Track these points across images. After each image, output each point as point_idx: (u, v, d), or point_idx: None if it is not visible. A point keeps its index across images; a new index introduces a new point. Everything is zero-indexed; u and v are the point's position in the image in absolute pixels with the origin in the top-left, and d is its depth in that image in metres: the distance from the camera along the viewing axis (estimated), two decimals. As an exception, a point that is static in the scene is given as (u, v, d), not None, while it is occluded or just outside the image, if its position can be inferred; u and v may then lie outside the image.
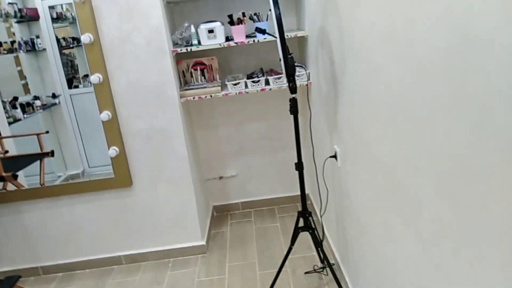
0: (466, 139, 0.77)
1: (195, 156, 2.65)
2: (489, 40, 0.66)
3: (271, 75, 2.39)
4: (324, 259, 2.04)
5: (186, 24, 2.33)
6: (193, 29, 2.28)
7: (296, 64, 2.44)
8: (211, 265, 2.39)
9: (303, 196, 1.95)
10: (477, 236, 0.78)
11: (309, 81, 2.37)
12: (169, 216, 2.45)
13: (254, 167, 2.87)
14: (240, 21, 2.30)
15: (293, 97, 1.80)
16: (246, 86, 2.37)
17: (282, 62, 1.71)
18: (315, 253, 2.34)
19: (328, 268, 2.15)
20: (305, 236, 2.50)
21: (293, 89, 1.77)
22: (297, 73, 2.35)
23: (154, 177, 2.37)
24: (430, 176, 0.95)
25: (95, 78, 2.14)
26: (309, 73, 2.37)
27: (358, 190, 1.60)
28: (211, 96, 2.33)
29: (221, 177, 2.88)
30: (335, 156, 1.91)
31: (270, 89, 2.42)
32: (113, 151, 2.28)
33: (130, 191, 2.40)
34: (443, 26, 0.80)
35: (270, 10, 2.40)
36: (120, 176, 2.35)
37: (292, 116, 2.70)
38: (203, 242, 2.52)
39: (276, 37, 1.68)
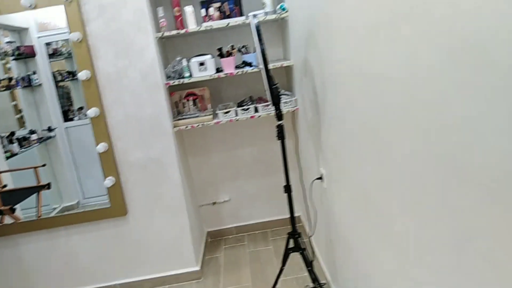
0: (422, 162, 0.92)
1: (189, 183, 2.77)
2: (426, 71, 0.82)
3: (259, 103, 2.56)
4: (315, 279, 2.14)
5: (178, 58, 2.51)
6: (184, 63, 2.45)
7: (282, 92, 2.61)
8: (206, 286, 2.48)
9: (292, 217, 2.07)
10: (434, 244, 0.91)
11: (296, 107, 2.53)
12: (164, 243, 2.55)
13: (246, 191, 3.00)
14: (229, 54, 2.49)
15: (280, 124, 1.96)
16: (236, 114, 2.53)
17: (267, 92, 1.88)
18: (307, 273, 2.44)
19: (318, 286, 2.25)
20: (297, 258, 2.60)
21: (279, 116, 1.93)
22: (284, 100, 2.53)
23: (149, 205, 2.48)
24: (397, 194, 1.09)
25: (91, 112, 2.29)
26: (295, 99, 2.54)
27: (342, 209, 1.73)
28: (203, 124, 2.49)
29: (214, 203, 2.99)
30: (321, 178, 2.05)
31: (259, 116, 2.58)
32: (109, 181, 2.40)
33: (125, 220, 2.50)
34: (397, 62, 0.96)
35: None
36: (116, 206, 2.46)
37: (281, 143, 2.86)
38: (198, 268, 2.61)
39: (260, 69, 1.85)
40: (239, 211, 3.04)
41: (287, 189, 2.03)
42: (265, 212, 3.05)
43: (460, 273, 0.82)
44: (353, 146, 1.43)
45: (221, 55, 2.50)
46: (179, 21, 2.42)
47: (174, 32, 2.36)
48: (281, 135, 1.96)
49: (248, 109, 2.53)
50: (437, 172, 0.85)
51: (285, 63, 2.44)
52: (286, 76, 2.79)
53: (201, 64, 2.44)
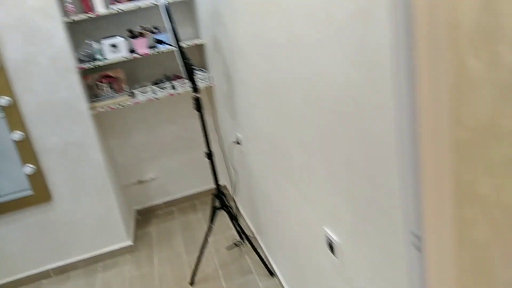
0: (303, 107, 1.25)
1: (113, 164, 2.90)
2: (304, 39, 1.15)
3: (175, 80, 2.77)
4: (241, 232, 2.47)
5: (89, 41, 2.60)
6: (96, 45, 2.56)
7: (196, 68, 2.85)
8: (141, 261, 2.68)
9: (216, 179, 2.35)
10: (318, 167, 1.26)
11: (211, 84, 2.80)
12: (93, 223, 2.68)
13: (171, 167, 3.21)
14: (141, 35, 2.65)
15: (196, 96, 2.21)
16: (154, 93, 2.71)
17: (182, 68, 2.11)
18: (234, 230, 2.76)
19: (246, 240, 2.59)
20: (226, 220, 2.91)
21: (195, 89, 2.17)
22: (199, 75, 2.77)
23: (74, 188, 2.58)
24: (293, 136, 1.42)
25: (2, 101, 2.31)
26: (211, 77, 2.80)
27: (258, 164, 2.06)
28: (122, 106, 2.63)
29: (140, 181, 3.16)
30: (238, 142, 2.36)
31: (179, 94, 2.80)
32: (29, 168, 2.45)
33: (51, 205, 2.57)
34: (281, 31, 1.28)
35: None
36: (39, 192, 2.52)
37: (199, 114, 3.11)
38: (130, 242, 2.79)
39: (173, 46, 2.08)
40: (166, 187, 3.25)
41: (209, 155, 2.30)
42: (192, 185, 3.30)
43: (333, 183, 1.18)
44: (260, 105, 1.75)
45: (133, 36, 2.65)
46: (86, 4, 2.52)
47: (83, 15, 2.46)
48: (198, 105, 2.21)
49: (165, 87, 2.73)
50: (316, 112, 1.18)
51: (197, 41, 2.68)
52: (200, 56, 3.02)
53: (113, 46, 2.57)
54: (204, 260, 2.54)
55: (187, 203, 3.32)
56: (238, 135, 2.35)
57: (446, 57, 0.63)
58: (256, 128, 1.92)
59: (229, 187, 3.23)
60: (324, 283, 1.46)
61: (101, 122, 2.93)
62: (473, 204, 0.68)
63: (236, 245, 2.61)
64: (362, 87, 0.88)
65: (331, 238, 1.25)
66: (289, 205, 1.67)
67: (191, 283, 2.37)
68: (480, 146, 0.65)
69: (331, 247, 1.27)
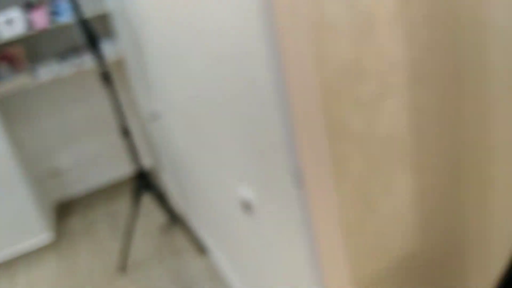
0: (206, 69, 1.22)
1: (22, 155, 2.70)
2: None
3: (82, 55, 2.60)
4: (170, 212, 2.42)
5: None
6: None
7: (101, 39, 2.69)
8: (66, 255, 2.54)
9: (136, 158, 2.26)
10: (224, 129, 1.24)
11: (122, 55, 2.67)
12: (6, 219, 2.49)
13: (90, 152, 3.05)
14: (39, 4, 2.43)
15: (103, 71, 2.08)
16: (60, 68, 2.53)
17: (86, 38, 1.98)
18: (163, 211, 2.71)
19: (176, 219, 2.55)
20: (153, 202, 2.84)
21: (101, 62, 2.05)
22: (107, 49, 2.62)
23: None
24: (202, 103, 1.39)
25: None
26: (122, 48, 2.66)
27: (179, 138, 2.01)
28: (26, 88, 2.43)
29: (56, 171, 2.98)
30: (157, 117, 2.28)
31: (88, 70, 2.64)
32: None
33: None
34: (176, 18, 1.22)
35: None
36: None
37: (111, 90, 2.96)
38: (52, 237, 2.64)
39: (74, 16, 1.93)
40: (87, 175, 3.08)
41: (125, 133, 2.20)
42: (116, 169, 3.16)
43: (238, 142, 1.16)
44: (171, 73, 1.68)
45: (29, 7, 2.43)
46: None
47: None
48: (106, 81, 2.09)
49: (71, 62, 2.55)
50: (215, 73, 1.15)
51: (102, 10, 2.53)
52: (105, 26, 2.85)
53: (8, 21, 2.35)
54: (135, 245, 2.46)
55: (112, 189, 3.19)
56: (156, 109, 2.27)
57: (305, 0, 0.62)
58: (172, 99, 1.86)
59: (154, 166, 3.15)
60: (246, 245, 1.47)
61: (3, 107, 2.70)
62: (348, 140, 0.70)
63: (167, 226, 2.56)
64: (242, 35, 0.86)
65: (245, 198, 1.25)
66: (209, 175, 1.65)
67: (122, 270, 2.31)
68: (346, 84, 0.66)
69: (246, 206, 1.27)
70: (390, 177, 0.77)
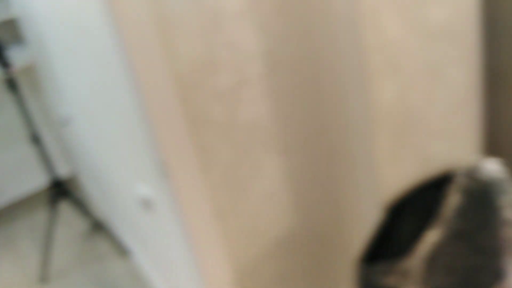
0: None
1: None
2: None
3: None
4: (91, 217, 2.41)
5: None
6: None
7: (6, 45, 2.60)
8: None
9: (50, 167, 2.22)
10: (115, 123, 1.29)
11: (32, 61, 2.60)
12: None
13: (4, 163, 2.93)
14: None
15: (9, 77, 2.03)
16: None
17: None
18: (85, 218, 2.67)
19: (97, 224, 2.53)
20: (74, 209, 2.79)
21: (4, 64, 1.99)
22: (15, 55, 2.53)
23: None
24: (100, 107, 1.42)
25: None
26: (31, 54, 2.59)
27: (89, 140, 2.02)
28: None
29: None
30: (69, 121, 2.26)
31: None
32: None
33: None
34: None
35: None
36: None
37: (18, 98, 2.87)
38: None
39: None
40: (2, 188, 2.97)
41: (35, 140, 2.16)
42: (35, 179, 3.06)
43: (129, 137, 1.22)
44: (71, 74, 1.70)
45: None
46: None
47: None
48: (12, 84, 2.04)
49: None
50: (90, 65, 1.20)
51: (9, 15, 2.45)
52: (14, 31, 2.75)
53: None
54: (57, 254, 2.41)
55: (31, 200, 3.08)
56: (67, 113, 2.25)
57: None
58: (77, 102, 1.86)
59: (74, 173, 3.08)
60: (156, 242, 1.53)
61: None
62: (211, 128, 0.79)
63: (89, 232, 2.53)
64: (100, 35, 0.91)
65: (143, 195, 1.31)
66: (115, 175, 1.69)
67: (44, 280, 2.26)
68: (201, 76, 0.74)
69: (146, 204, 1.33)
70: (258, 161, 0.87)
